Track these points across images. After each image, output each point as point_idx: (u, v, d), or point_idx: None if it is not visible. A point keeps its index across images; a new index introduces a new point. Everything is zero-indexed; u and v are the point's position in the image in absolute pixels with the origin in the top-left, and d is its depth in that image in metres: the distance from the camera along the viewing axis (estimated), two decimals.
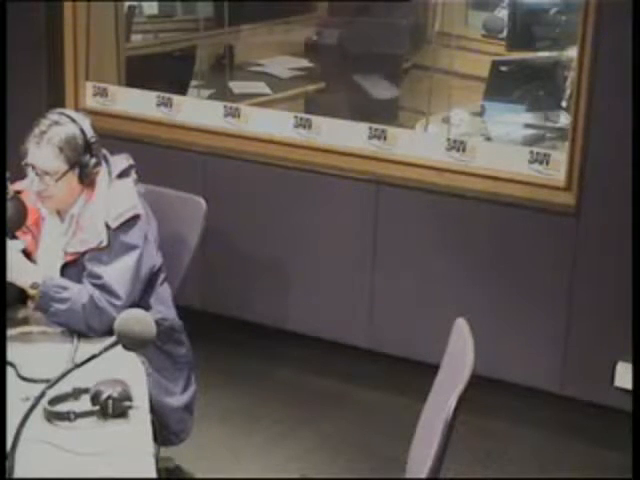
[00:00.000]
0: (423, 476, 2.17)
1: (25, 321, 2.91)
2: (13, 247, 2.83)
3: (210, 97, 5.09)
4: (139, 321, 2.13)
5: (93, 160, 2.95)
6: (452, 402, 2.16)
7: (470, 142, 4.12)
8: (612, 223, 3.81)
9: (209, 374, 3.95)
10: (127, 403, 2.39)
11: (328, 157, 4.28)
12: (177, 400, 3.15)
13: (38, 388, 2.09)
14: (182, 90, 5.08)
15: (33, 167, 2.91)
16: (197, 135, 4.52)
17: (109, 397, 2.37)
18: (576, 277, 3.94)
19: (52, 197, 2.93)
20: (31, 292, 2.85)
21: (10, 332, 2.74)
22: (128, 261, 2.92)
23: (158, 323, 2.25)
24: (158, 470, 2.22)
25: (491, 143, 4.53)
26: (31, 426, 2.00)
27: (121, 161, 3.07)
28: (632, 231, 3.31)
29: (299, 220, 4.39)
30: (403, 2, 5.47)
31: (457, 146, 4.08)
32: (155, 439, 2.33)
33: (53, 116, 2.95)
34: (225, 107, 4.51)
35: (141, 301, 2.98)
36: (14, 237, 2.91)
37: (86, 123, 2.98)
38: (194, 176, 4.44)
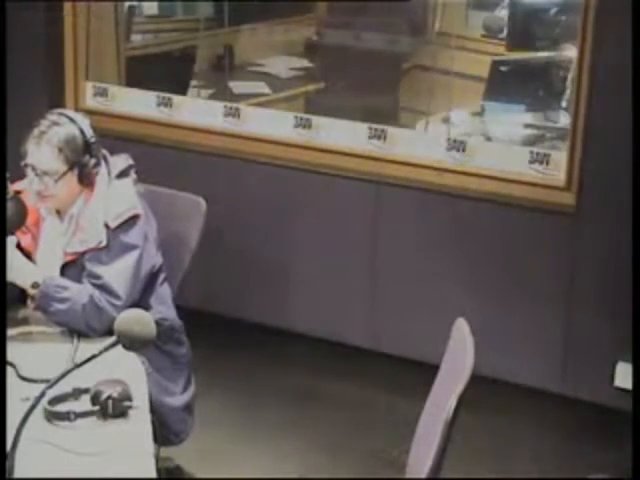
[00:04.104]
0: (423, 476, 2.17)
1: (25, 321, 2.91)
2: (11, 245, 2.83)
3: (210, 97, 5.09)
4: (139, 321, 2.13)
5: (92, 160, 2.95)
6: (452, 402, 2.16)
7: (470, 142, 4.12)
8: (612, 223, 3.81)
9: (209, 374, 3.95)
10: (127, 403, 2.39)
11: (328, 157, 4.28)
12: (177, 400, 3.15)
13: (38, 388, 2.09)
14: (182, 90, 5.08)
15: (33, 167, 2.91)
16: (197, 135, 4.52)
17: (109, 397, 2.37)
18: (576, 277, 3.94)
19: (52, 197, 2.93)
20: (31, 292, 2.85)
21: (10, 332, 2.74)
22: (128, 261, 2.92)
23: (158, 323, 2.25)
24: (158, 470, 2.22)
25: (491, 143, 4.53)
26: (31, 426, 2.00)
27: (120, 161, 3.07)
28: (632, 231, 3.31)
29: (299, 220, 4.39)
30: (403, 2, 5.47)
31: (457, 146, 4.08)
32: (155, 439, 2.33)
33: (52, 116, 2.95)
34: (225, 107, 4.51)
35: (141, 301, 2.98)
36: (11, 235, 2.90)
37: (85, 123, 2.97)
38: (194, 176, 4.44)
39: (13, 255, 2.82)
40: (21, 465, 1.99)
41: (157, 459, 2.25)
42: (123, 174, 3.05)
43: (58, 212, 3.01)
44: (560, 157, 3.92)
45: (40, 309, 2.85)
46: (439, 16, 5.34)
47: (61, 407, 2.38)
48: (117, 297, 2.86)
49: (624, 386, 3.84)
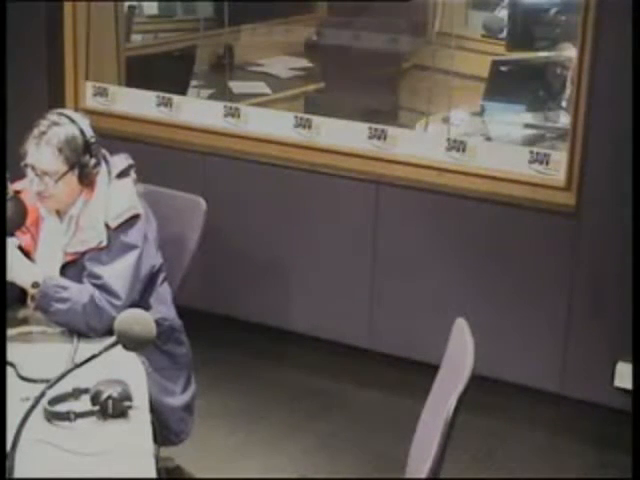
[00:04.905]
0: (423, 476, 2.17)
1: (25, 321, 2.91)
2: (11, 245, 2.83)
3: (210, 97, 5.09)
4: (139, 321, 2.13)
5: (92, 160, 2.95)
6: (452, 402, 2.16)
7: (470, 142, 4.12)
8: (612, 223, 3.81)
9: (209, 374, 3.95)
10: (127, 403, 2.38)
11: (328, 157, 4.28)
12: (177, 400, 3.15)
13: (38, 388, 2.09)
14: (182, 90, 5.08)
15: (33, 168, 2.91)
16: (197, 135, 4.52)
17: (109, 397, 2.37)
18: (576, 277, 3.94)
19: (52, 197, 2.93)
20: (31, 291, 2.85)
21: (10, 332, 2.74)
22: (128, 261, 2.92)
23: (158, 323, 2.25)
24: (158, 470, 2.22)
25: (491, 143, 4.53)
26: (31, 426, 2.00)
27: (120, 161, 3.07)
28: (632, 231, 3.31)
29: (299, 220, 4.39)
30: (403, 2, 5.47)
31: (457, 146, 4.08)
32: (155, 439, 2.33)
33: (52, 117, 2.95)
34: (225, 107, 4.51)
35: (141, 301, 2.98)
36: (12, 236, 2.90)
37: (85, 123, 2.97)
38: (194, 176, 4.44)
39: (13, 255, 2.82)
40: (21, 465, 1.99)
41: (157, 459, 2.25)
42: (123, 174, 3.05)
43: (58, 212, 3.00)
44: (560, 157, 3.92)
45: (40, 309, 2.85)
46: (439, 16, 5.34)
47: (61, 407, 2.38)
48: (117, 297, 2.86)
49: (624, 386, 3.84)
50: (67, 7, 4.65)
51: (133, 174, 3.08)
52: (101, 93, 4.72)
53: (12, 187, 2.92)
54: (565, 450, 3.91)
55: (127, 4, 5.33)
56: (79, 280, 2.89)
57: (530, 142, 4.49)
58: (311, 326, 4.42)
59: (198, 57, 5.56)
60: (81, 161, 2.92)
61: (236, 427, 3.97)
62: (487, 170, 4.03)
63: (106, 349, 2.09)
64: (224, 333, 4.52)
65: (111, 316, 2.68)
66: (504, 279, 4.07)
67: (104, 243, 2.90)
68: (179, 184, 3.55)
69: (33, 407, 2.01)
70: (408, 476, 2.48)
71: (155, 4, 6.00)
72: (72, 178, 2.93)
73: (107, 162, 3.03)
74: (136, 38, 5.68)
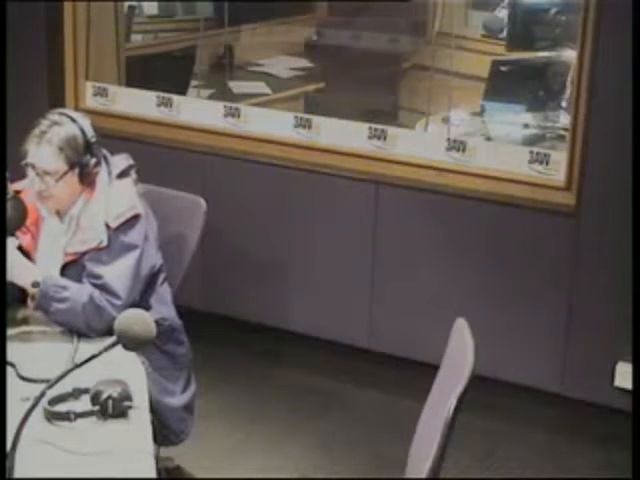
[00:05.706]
0: (423, 476, 2.17)
1: (25, 321, 2.91)
2: (10, 245, 2.83)
3: (210, 97, 5.09)
4: (139, 321, 2.13)
5: (93, 160, 2.95)
6: (452, 402, 2.16)
7: (470, 142, 4.12)
8: (612, 223, 3.81)
9: (209, 374, 3.96)
10: (127, 403, 2.39)
11: (328, 157, 4.28)
12: (177, 400, 3.15)
13: (38, 388, 2.09)
14: (182, 90, 5.08)
15: (33, 167, 2.91)
16: (197, 135, 4.52)
17: (109, 397, 2.37)
18: (576, 277, 3.94)
19: (52, 197, 2.93)
20: (31, 291, 2.85)
21: (10, 332, 2.74)
22: (128, 261, 2.92)
23: (158, 323, 2.26)
24: (158, 470, 2.22)
25: (491, 143, 4.53)
26: (31, 426, 2.00)
27: (121, 161, 3.07)
28: (632, 231, 3.31)
29: (299, 220, 4.39)
30: (403, 2, 5.47)
31: (457, 146, 4.08)
32: (155, 439, 2.33)
33: (53, 116, 2.95)
34: (225, 107, 4.51)
35: (141, 301, 2.98)
36: (12, 236, 2.90)
37: (86, 123, 2.98)
38: (194, 176, 4.44)
39: (13, 254, 2.82)
40: (21, 465, 1.99)
41: (157, 459, 2.25)
42: (123, 174, 3.05)
43: (58, 212, 3.01)
44: (560, 157, 3.92)
45: (40, 309, 2.85)
46: (439, 16, 5.34)
47: (61, 407, 2.38)
48: (117, 297, 2.86)
49: (624, 386, 3.84)
50: (67, 7, 4.65)
51: (133, 174, 3.08)
52: (101, 93, 4.72)
53: (12, 187, 2.93)
54: (565, 450, 3.91)
55: (127, 4, 5.33)
56: (79, 280, 2.89)
57: (530, 142, 4.49)
58: (311, 326, 4.42)
59: (198, 57, 5.56)
60: (82, 161, 2.93)
61: (236, 427, 3.97)
62: (487, 170, 4.03)
63: (106, 349, 2.09)
64: (224, 333, 4.52)
65: (111, 316, 2.68)
66: (504, 279, 4.07)
67: (104, 243, 2.90)
68: (179, 184, 3.55)
69: (33, 407, 2.01)
70: (408, 476, 2.48)
71: (155, 4, 6.00)
72: (72, 178, 2.93)
73: (107, 162, 3.04)
74: (136, 38, 5.68)
